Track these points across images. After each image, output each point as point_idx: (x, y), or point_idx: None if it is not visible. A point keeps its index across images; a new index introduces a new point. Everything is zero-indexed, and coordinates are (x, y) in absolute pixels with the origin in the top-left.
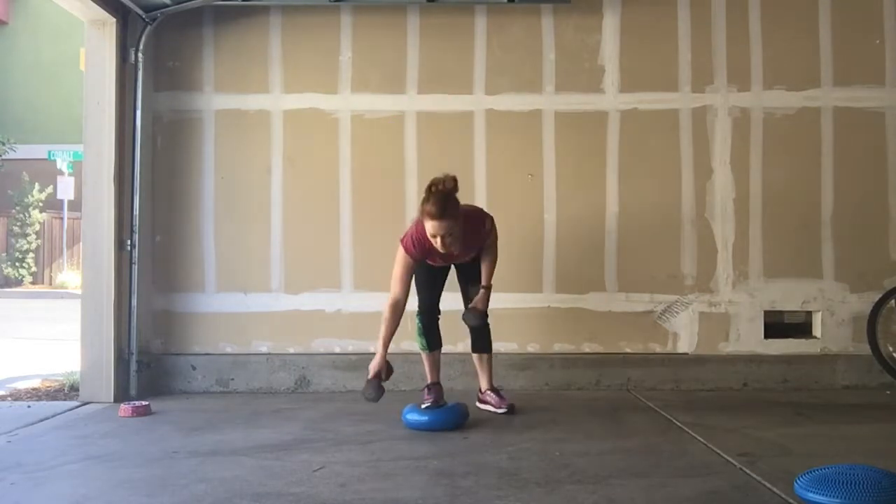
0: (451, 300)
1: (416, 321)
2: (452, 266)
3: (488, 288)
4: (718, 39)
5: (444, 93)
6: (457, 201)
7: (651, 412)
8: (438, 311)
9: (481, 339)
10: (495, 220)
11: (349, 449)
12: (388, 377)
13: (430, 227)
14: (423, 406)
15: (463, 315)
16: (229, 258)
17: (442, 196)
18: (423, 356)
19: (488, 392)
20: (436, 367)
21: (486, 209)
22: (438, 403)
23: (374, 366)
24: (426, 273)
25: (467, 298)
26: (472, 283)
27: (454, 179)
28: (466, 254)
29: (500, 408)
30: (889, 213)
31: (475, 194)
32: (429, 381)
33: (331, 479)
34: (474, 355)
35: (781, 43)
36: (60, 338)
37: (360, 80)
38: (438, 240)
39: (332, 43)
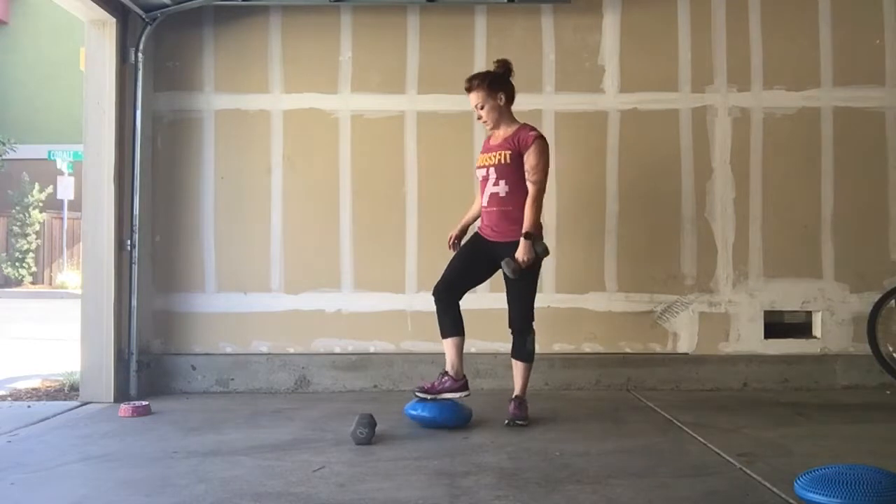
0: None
1: None
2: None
3: (527, 235)
4: (718, 39)
5: (444, 93)
6: (497, 81)
7: (651, 412)
8: (451, 296)
9: (514, 343)
10: None
11: (349, 449)
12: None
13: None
14: (417, 389)
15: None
16: (229, 258)
17: (477, 73)
18: None
19: (511, 399)
20: (448, 354)
21: None
22: (434, 391)
23: None
24: (458, 255)
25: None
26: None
27: (500, 64)
28: (502, 145)
29: (507, 416)
30: (889, 213)
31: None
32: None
33: (331, 479)
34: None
35: (781, 43)
36: (60, 338)
37: (360, 80)
38: (476, 113)
39: (332, 43)
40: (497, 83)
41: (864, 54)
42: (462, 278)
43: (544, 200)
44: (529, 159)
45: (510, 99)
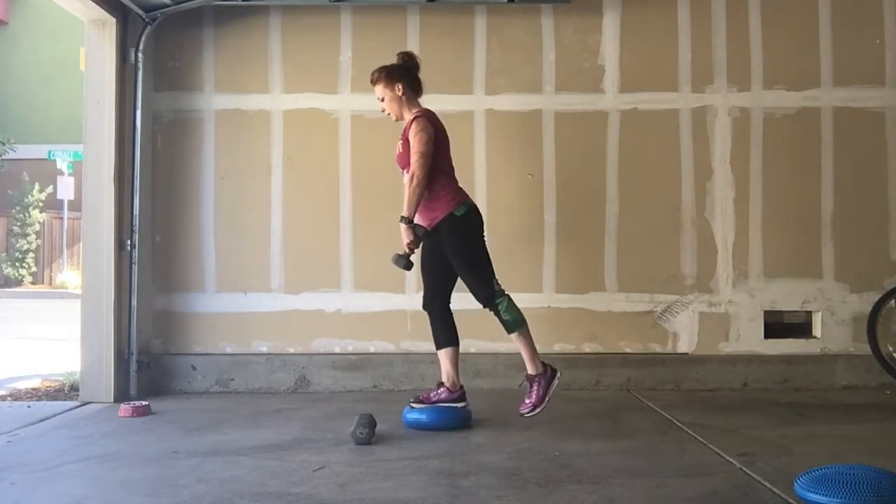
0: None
1: None
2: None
3: (401, 219)
4: (718, 39)
5: (445, 93)
6: (394, 72)
7: (651, 412)
8: (438, 304)
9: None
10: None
11: (349, 449)
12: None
13: None
14: (412, 399)
15: None
16: (229, 258)
17: (382, 67)
18: None
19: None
20: (444, 366)
21: (485, 209)
22: (428, 401)
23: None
24: (421, 263)
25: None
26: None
27: (403, 57)
28: (400, 137)
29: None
30: (889, 213)
31: (475, 194)
32: None
33: (331, 479)
34: None
35: (781, 43)
36: (60, 338)
37: (360, 80)
38: (381, 106)
39: (332, 43)
40: (395, 74)
41: (864, 54)
42: (435, 281)
43: (544, 200)
44: (413, 142)
45: (413, 90)
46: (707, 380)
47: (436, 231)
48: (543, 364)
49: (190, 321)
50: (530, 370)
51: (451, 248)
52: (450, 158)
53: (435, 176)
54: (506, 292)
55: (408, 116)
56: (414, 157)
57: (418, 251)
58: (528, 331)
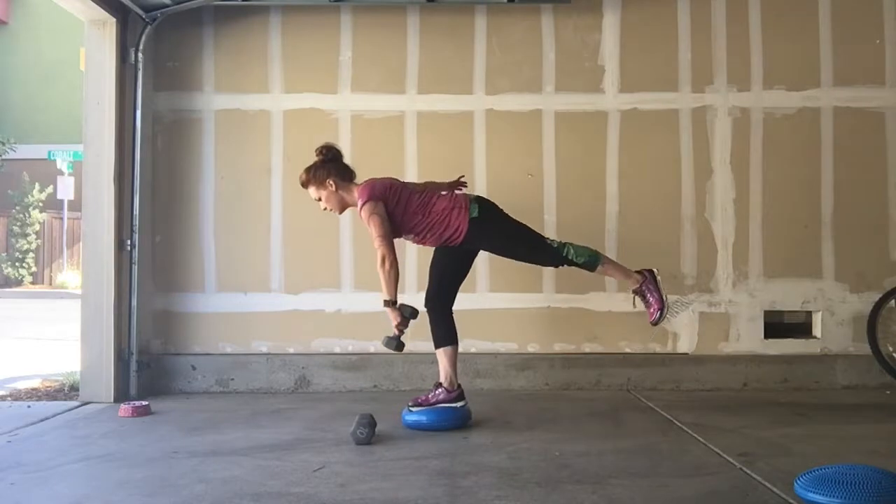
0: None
1: None
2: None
3: (385, 303)
4: (718, 39)
5: (444, 93)
6: (320, 170)
7: (651, 412)
8: (444, 302)
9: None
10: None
11: (349, 449)
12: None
13: None
14: (410, 403)
15: None
16: (229, 258)
17: (306, 168)
18: None
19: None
20: (443, 365)
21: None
22: (426, 403)
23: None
24: (435, 263)
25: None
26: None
27: (322, 151)
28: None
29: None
30: (889, 213)
31: (476, 194)
32: None
33: (331, 479)
34: None
35: (781, 43)
36: (60, 338)
37: (360, 80)
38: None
39: (332, 43)
40: (320, 173)
41: (864, 54)
42: (442, 280)
43: (544, 200)
44: (369, 227)
45: (344, 179)
46: (707, 380)
47: (467, 242)
48: (638, 272)
49: (190, 321)
50: (632, 286)
51: (493, 245)
52: (417, 192)
53: (428, 210)
54: (563, 241)
55: (352, 202)
56: (376, 243)
57: (426, 257)
58: (606, 258)
